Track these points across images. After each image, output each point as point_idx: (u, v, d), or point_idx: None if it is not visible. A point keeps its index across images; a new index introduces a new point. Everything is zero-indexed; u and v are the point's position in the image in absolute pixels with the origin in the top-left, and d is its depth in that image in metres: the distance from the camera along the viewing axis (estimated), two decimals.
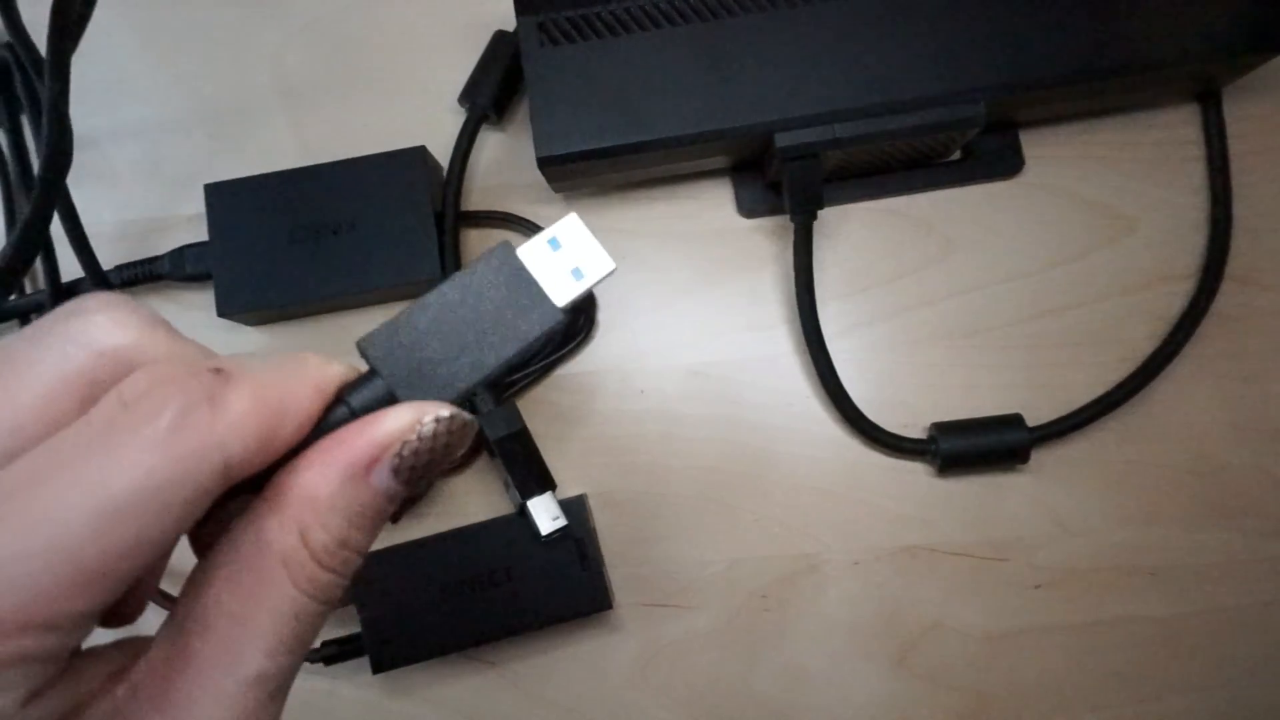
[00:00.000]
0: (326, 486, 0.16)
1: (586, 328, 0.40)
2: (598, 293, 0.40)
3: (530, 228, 0.40)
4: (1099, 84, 0.35)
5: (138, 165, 0.43)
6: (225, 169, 0.39)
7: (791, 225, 0.37)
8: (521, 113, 0.42)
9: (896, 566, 0.38)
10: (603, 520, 0.39)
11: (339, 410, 0.17)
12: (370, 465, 0.16)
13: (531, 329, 0.19)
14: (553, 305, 0.19)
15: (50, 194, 0.30)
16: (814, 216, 0.37)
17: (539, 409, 0.39)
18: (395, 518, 0.38)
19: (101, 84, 0.43)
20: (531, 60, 0.36)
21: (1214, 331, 0.38)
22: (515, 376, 0.39)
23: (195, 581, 0.16)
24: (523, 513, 0.36)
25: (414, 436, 0.16)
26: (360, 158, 0.39)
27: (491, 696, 0.38)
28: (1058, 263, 0.39)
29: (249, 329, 0.41)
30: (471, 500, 0.39)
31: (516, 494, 0.36)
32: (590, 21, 0.36)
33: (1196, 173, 0.39)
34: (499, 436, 0.37)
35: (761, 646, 0.38)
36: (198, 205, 0.39)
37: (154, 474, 0.14)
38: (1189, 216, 0.39)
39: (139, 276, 0.40)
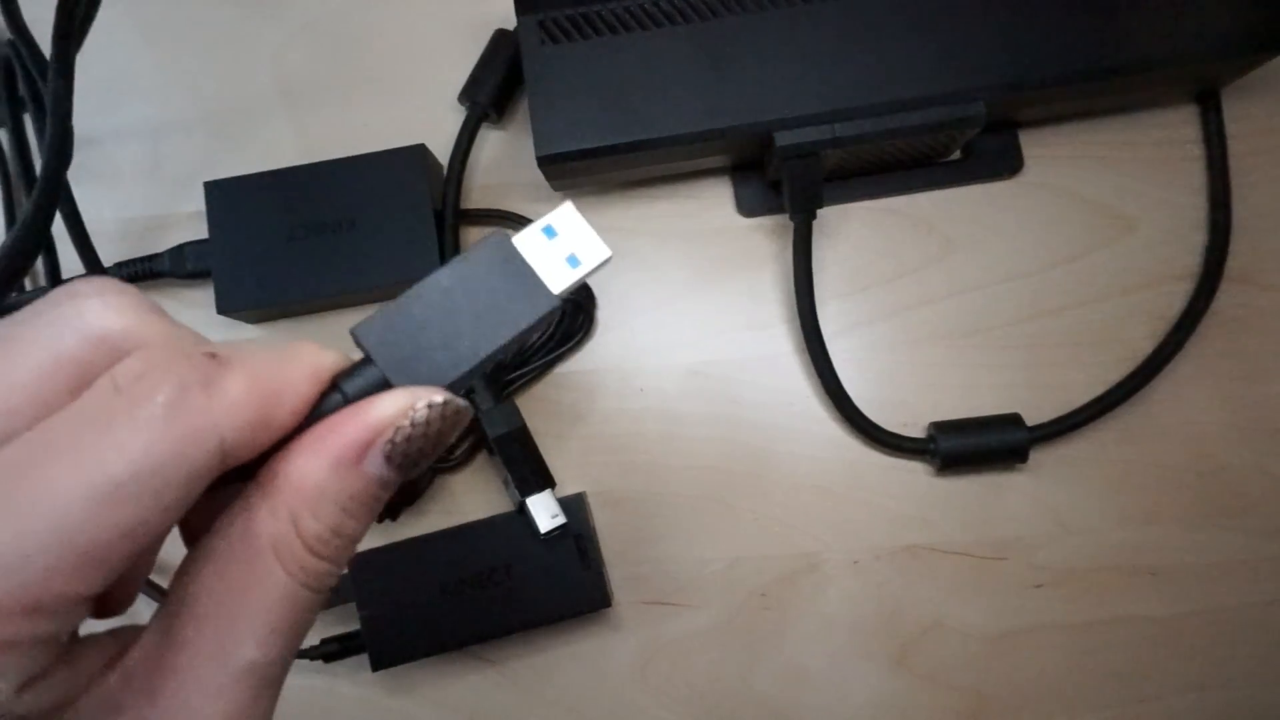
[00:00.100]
0: (318, 473, 0.16)
1: (586, 326, 0.40)
2: (597, 291, 0.40)
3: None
4: (1098, 84, 0.35)
5: (138, 163, 0.43)
6: (226, 167, 0.40)
7: (791, 224, 0.37)
8: (521, 111, 0.42)
9: (896, 566, 0.38)
10: (602, 518, 0.38)
11: (333, 397, 0.17)
12: (362, 451, 0.16)
13: (527, 315, 0.19)
14: (548, 292, 0.19)
15: (52, 192, 0.31)
16: (813, 216, 0.37)
17: (539, 407, 0.39)
18: (395, 514, 0.38)
19: (103, 82, 0.43)
20: (531, 59, 0.36)
21: (1213, 331, 0.38)
22: (514, 374, 0.39)
23: (186, 569, 0.16)
24: (522, 511, 0.36)
25: (407, 422, 0.16)
26: (360, 156, 0.39)
27: (491, 694, 0.38)
28: (1057, 262, 0.39)
29: (249, 326, 0.41)
30: (471, 498, 0.39)
31: (516, 492, 0.36)
32: (590, 20, 0.36)
33: (1196, 173, 0.39)
34: (498, 434, 0.37)
35: (761, 645, 0.38)
36: (198, 203, 0.39)
37: (150, 455, 0.14)
38: (1189, 216, 0.39)
39: (139, 274, 0.40)
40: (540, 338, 0.39)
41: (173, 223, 0.42)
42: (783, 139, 0.35)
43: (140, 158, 0.43)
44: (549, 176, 0.37)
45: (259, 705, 0.16)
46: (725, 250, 0.40)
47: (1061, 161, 0.40)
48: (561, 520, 0.36)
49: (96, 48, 0.33)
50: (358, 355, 0.18)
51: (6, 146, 0.42)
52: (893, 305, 0.39)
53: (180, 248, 0.40)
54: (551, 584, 0.36)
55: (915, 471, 0.38)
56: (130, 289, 0.16)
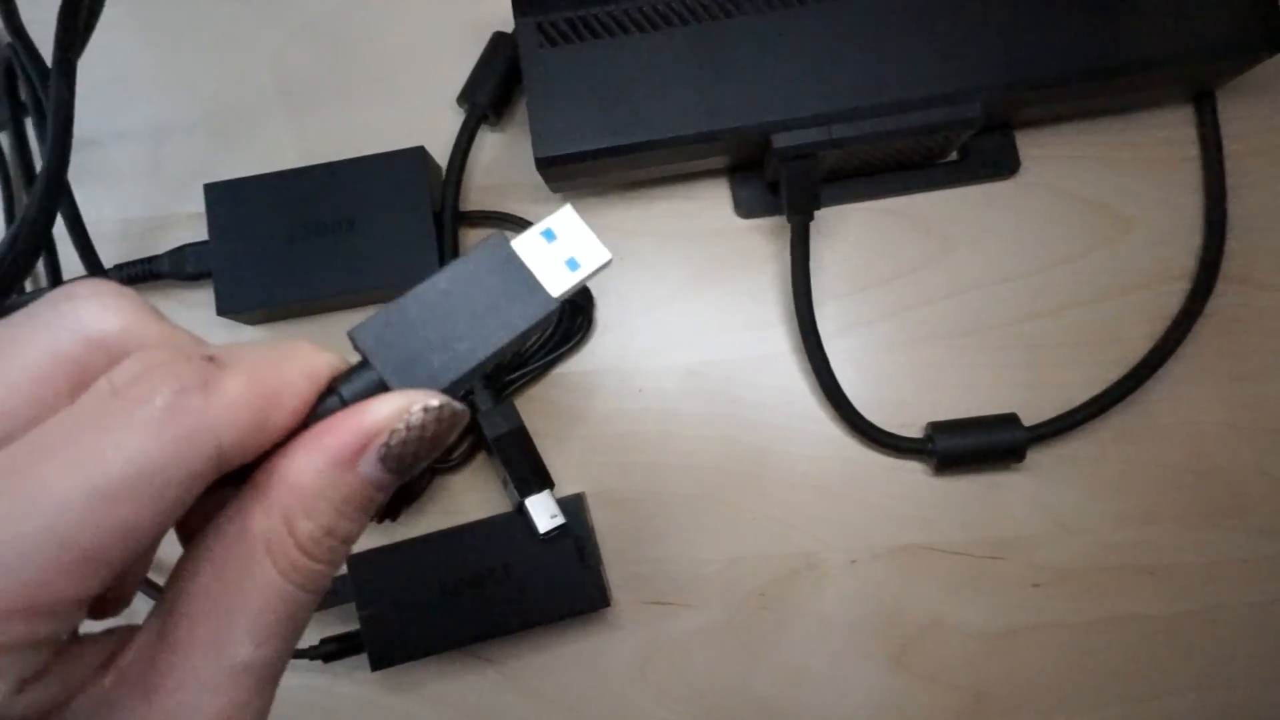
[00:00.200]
0: (313, 474, 0.16)
1: (585, 327, 0.40)
2: (596, 292, 0.40)
3: (528, 228, 0.40)
4: (1094, 84, 0.35)
5: (138, 164, 0.43)
6: (225, 167, 0.40)
7: (789, 225, 0.37)
8: (520, 113, 0.42)
9: (895, 565, 0.38)
10: (601, 519, 0.39)
11: (330, 400, 0.17)
12: (357, 453, 0.16)
13: (525, 318, 0.19)
14: (547, 295, 0.19)
15: (53, 195, 0.31)
16: (811, 217, 0.37)
17: (537, 407, 0.39)
18: (395, 514, 0.38)
19: (103, 83, 0.43)
20: (530, 61, 0.36)
21: (1211, 331, 0.38)
22: (513, 375, 0.39)
23: (181, 570, 0.16)
24: (521, 511, 0.36)
25: (402, 426, 0.16)
26: (360, 158, 0.39)
27: (490, 694, 0.38)
28: (1055, 263, 0.39)
29: (248, 328, 0.41)
30: (470, 498, 0.39)
31: (515, 492, 0.36)
32: (588, 23, 0.36)
33: (1193, 173, 0.39)
34: (497, 435, 0.37)
35: (760, 645, 0.38)
36: (198, 204, 0.39)
37: (149, 457, 0.14)
38: (1186, 216, 0.39)
39: (139, 275, 0.40)
40: (539, 339, 0.39)
41: (173, 223, 0.42)
42: (780, 140, 0.35)
43: (140, 158, 0.43)
44: (547, 178, 0.37)
45: (254, 704, 0.16)
46: (724, 251, 0.40)
47: (1058, 162, 0.40)
48: (560, 520, 0.36)
49: (97, 48, 0.33)
50: (355, 357, 0.18)
51: (7, 148, 0.42)
52: (891, 305, 0.39)
53: (180, 249, 0.40)
54: (550, 584, 0.36)
55: (913, 471, 0.38)
56: (127, 291, 0.16)
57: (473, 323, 0.18)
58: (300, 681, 0.39)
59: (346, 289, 0.38)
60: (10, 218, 0.42)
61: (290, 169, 0.39)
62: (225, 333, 0.41)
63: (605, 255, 0.20)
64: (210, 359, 0.15)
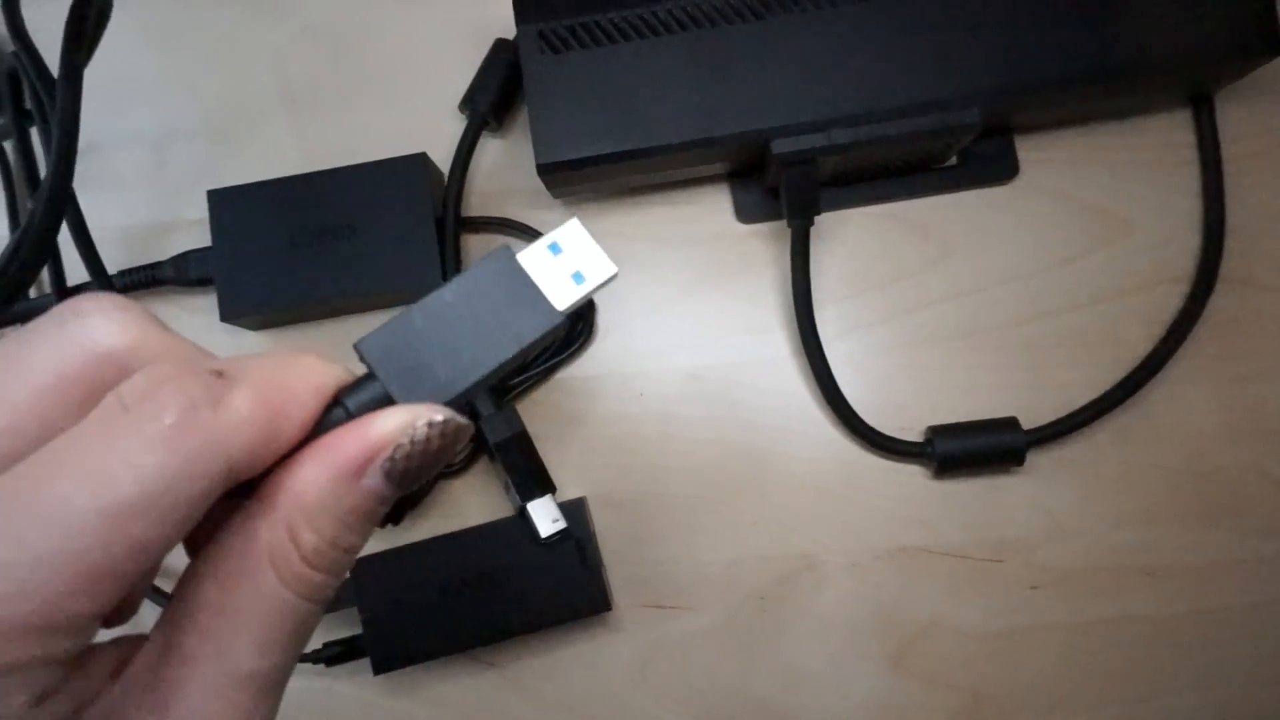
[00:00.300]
0: (317, 487, 0.16)
1: (586, 332, 0.40)
2: (597, 297, 0.40)
3: (530, 233, 0.40)
4: (1093, 88, 0.35)
5: (141, 170, 0.43)
6: (228, 174, 0.40)
7: (789, 230, 0.38)
8: (521, 119, 0.42)
9: (893, 567, 0.38)
10: (602, 522, 0.39)
11: (335, 411, 0.17)
12: (362, 467, 0.16)
13: (530, 332, 0.19)
14: (552, 308, 0.19)
15: (58, 203, 0.31)
16: (811, 221, 0.37)
17: (539, 412, 0.40)
18: (397, 520, 0.38)
19: (105, 89, 0.43)
20: (531, 68, 0.36)
21: (1210, 333, 0.38)
22: (515, 380, 0.39)
23: (187, 580, 0.16)
24: (523, 515, 0.36)
25: (406, 440, 0.16)
26: (362, 164, 0.39)
27: (492, 697, 0.38)
28: (1054, 265, 0.39)
29: (251, 333, 0.41)
30: (472, 502, 0.40)
31: (516, 496, 0.36)
32: (589, 29, 0.36)
33: (1192, 175, 0.39)
34: (499, 439, 0.37)
35: (760, 647, 0.38)
36: (200, 210, 0.39)
37: (160, 474, 0.14)
38: (1185, 219, 0.39)
39: (142, 281, 0.40)
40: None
41: (176, 228, 0.42)
42: (780, 146, 0.35)
43: (143, 163, 0.43)
44: (549, 184, 0.38)
45: (259, 713, 0.16)
46: (724, 256, 0.40)
47: (1057, 165, 0.40)
48: (561, 525, 0.36)
49: (99, 53, 0.34)
50: (360, 368, 0.18)
51: (11, 155, 0.42)
52: (890, 309, 0.40)
53: (183, 255, 0.40)
54: (552, 588, 0.36)
55: (913, 474, 0.39)
56: (132, 304, 0.16)
57: (478, 336, 0.18)
58: (302, 685, 0.39)
59: (349, 295, 0.38)
60: (15, 224, 0.42)
61: (293, 175, 0.39)
62: (228, 338, 0.41)
63: (611, 269, 0.20)
64: (218, 373, 0.15)
